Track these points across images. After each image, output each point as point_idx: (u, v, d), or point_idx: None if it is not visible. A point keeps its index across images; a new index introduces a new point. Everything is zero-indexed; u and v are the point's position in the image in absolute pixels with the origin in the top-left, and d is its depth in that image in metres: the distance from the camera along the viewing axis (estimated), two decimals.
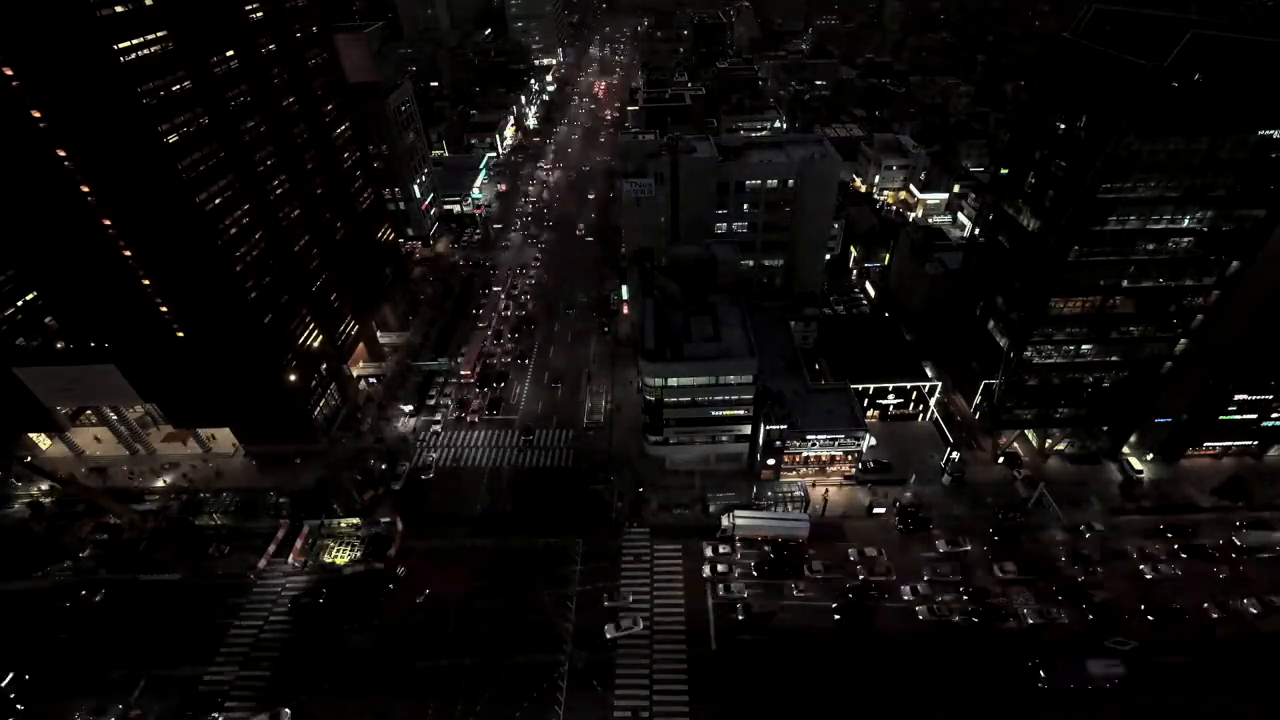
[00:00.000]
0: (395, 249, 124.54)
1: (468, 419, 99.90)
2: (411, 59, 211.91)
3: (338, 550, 79.92)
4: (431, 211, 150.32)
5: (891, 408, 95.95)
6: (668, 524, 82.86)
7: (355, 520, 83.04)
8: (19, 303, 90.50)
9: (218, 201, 73.94)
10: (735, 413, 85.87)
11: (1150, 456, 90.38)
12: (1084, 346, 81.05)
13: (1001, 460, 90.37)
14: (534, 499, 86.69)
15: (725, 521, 79.85)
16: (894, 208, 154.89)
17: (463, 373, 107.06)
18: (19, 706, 65.57)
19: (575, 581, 76.36)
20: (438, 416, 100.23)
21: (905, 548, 79.38)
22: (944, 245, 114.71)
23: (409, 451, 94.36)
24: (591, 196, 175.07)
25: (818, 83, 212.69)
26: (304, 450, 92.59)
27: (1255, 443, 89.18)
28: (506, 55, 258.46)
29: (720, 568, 77.17)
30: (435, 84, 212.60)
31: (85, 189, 68.14)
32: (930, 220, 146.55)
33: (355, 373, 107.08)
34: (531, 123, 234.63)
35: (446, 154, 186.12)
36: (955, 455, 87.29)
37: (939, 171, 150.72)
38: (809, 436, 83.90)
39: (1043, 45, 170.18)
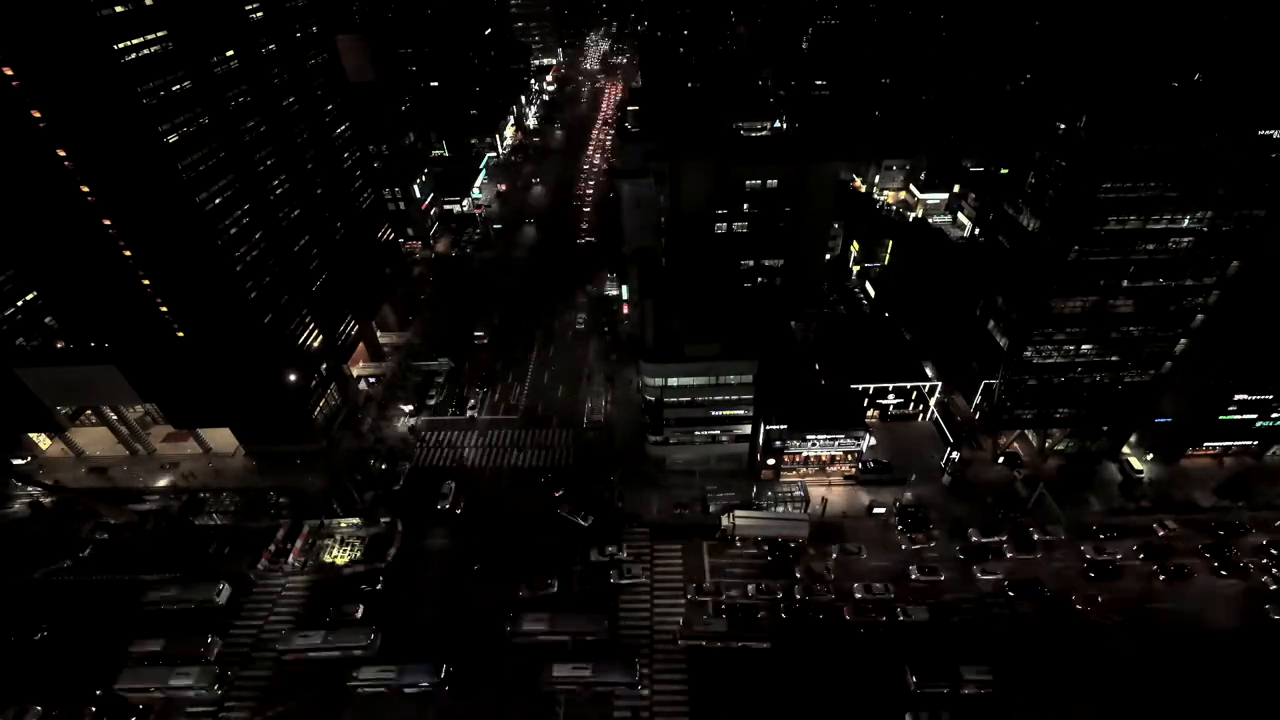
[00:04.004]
0: (395, 249, 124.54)
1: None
2: (411, 59, 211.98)
3: (338, 550, 79.96)
4: (431, 211, 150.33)
5: (891, 408, 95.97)
6: (668, 524, 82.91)
7: (355, 520, 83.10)
8: (19, 303, 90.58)
9: (218, 201, 73.96)
10: (735, 413, 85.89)
11: (1150, 456, 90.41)
12: (1084, 346, 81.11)
13: (1001, 460, 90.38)
14: (534, 498, 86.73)
15: (725, 521, 79.86)
16: (894, 208, 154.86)
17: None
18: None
19: (576, 580, 76.56)
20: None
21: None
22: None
23: (409, 451, 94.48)
24: (591, 196, 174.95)
25: (818, 83, 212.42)
26: (304, 450, 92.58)
27: (1255, 443, 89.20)
28: (506, 55, 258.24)
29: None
30: (435, 84, 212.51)
31: (85, 189, 68.11)
32: (930, 220, 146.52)
33: (355, 373, 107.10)
34: (531, 123, 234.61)
35: (446, 154, 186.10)
36: (955, 455, 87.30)
37: (938, 172, 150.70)
38: (809, 436, 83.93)
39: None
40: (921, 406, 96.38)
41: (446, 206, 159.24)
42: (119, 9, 61.81)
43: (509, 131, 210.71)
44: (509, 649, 68.61)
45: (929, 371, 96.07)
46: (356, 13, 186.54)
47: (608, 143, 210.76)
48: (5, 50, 59.85)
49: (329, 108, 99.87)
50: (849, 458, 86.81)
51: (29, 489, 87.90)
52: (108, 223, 70.75)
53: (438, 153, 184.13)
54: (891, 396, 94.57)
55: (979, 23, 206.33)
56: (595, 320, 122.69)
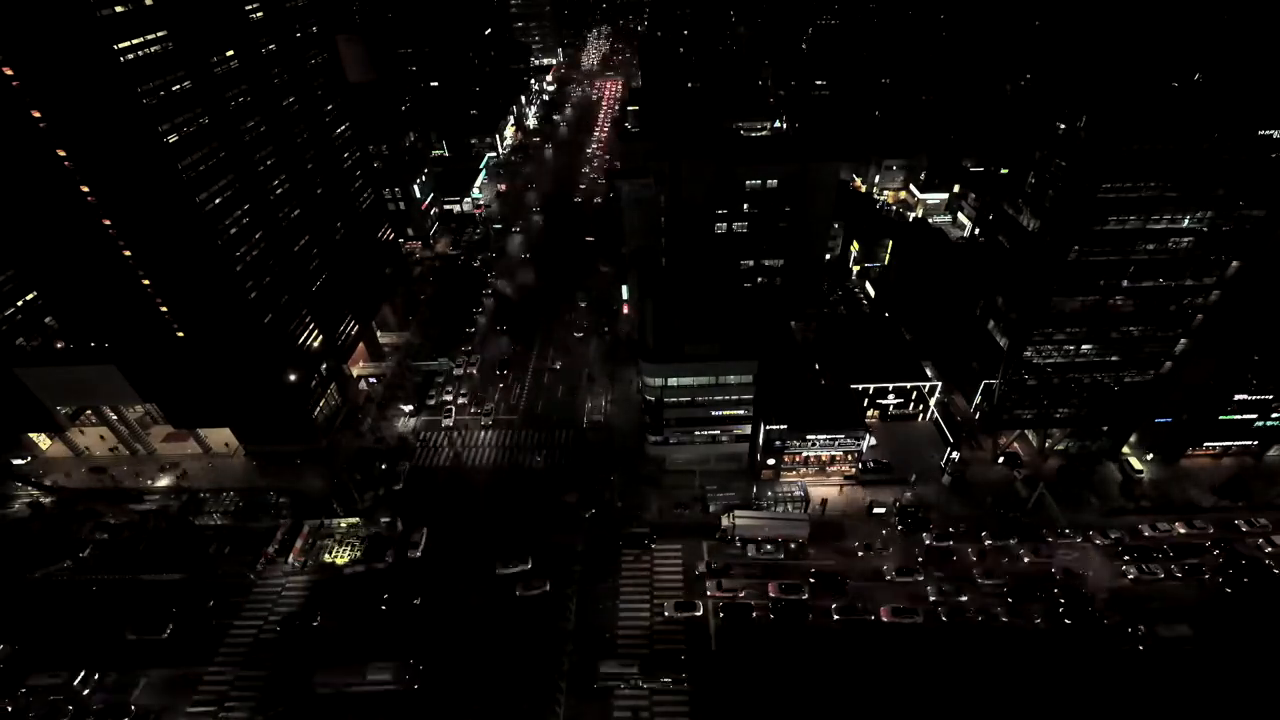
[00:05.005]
0: (395, 249, 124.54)
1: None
2: (411, 59, 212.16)
3: (338, 550, 79.97)
4: (431, 211, 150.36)
5: (891, 408, 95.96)
6: (668, 524, 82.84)
7: (355, 520, 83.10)
8: (19, 303, 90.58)
9: (218, 201, 73.92)
10: (735, 413, 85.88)
11: (1150, 456, 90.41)
12: (1084, 346, 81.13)
13: (1001, 460, 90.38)
14: (534, 498, 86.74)
15: (725, 521, 79.88)
16: (894, 208, 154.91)
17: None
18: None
19: (576, 580, 76.53)
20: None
21: None
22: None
23: (409, 451, 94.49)
24: (591, 196, 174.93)
25: (818, 83, 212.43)
26: (304, 450, 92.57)
27: (1255, 443, 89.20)
28: (506, 55, 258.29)
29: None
30: (435, 84, 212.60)
31: (85, 189, 68.12)
32: (930, 220, 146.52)
33: (355, 373, 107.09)
34: (531, 123, 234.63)
35: (446, 154, 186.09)
36: (955, 455, 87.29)
37: (938, 172, 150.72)
38: (809, 436, 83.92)
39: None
40: (921, 406, 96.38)
41: (446, 206, 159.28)
42: (119, 9, 61.76)
43: (509, 131, 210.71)
44: None
45: (929, 371, 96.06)
46: (356, 13, 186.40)
47: (607, 142, 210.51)
48: (5, 50, 59.83)
49: (329, 108, 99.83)
50: (849, 458, 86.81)
51: (30, 489, 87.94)
52: (108, 223, 70.72)
53: (438, 153, 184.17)
54: (891, 396, 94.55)
55: (979, 23, 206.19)
56: (595, 320, 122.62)
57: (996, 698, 64.55)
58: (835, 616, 71.48)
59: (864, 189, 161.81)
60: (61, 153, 65.72)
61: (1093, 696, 64.56)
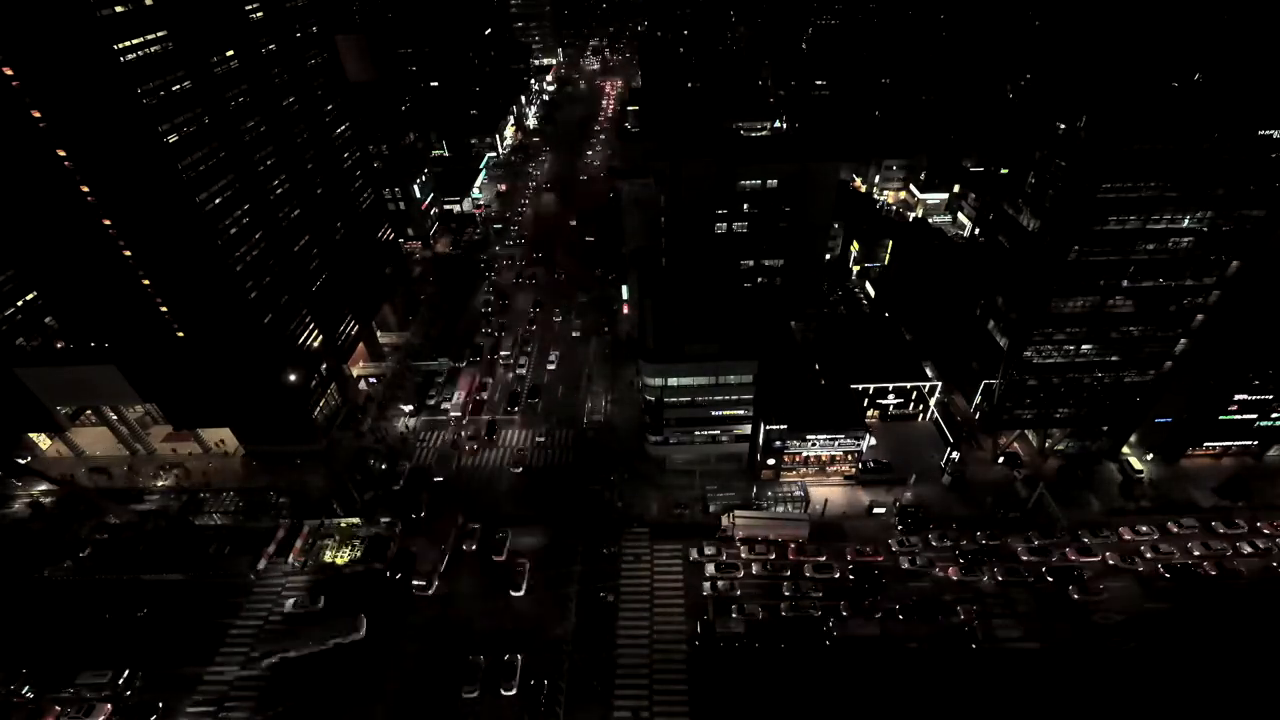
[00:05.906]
0: (395, 249, 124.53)
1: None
2: (411, 59, 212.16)
3: (337, 550, 79.97)
4: (432, 211, 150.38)
5: (891, 408, 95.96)
6: (668, 524, 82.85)
7: (355, 520, 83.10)
8: (19, 303, 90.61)
9: (218, 201, 73.93)
10: (735, 413, 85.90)
11: (1150, 456, 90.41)
12: (1084, 346, 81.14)
13: (1001, 460, 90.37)
14: (535, 497, 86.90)
15: (725, 521, 79.90)
16: (894, 208, 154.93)
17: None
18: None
19: (575, 580, 76.50)
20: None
21: None
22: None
23: (409, 451, 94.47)
24: (591, 196, 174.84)
25: (818, 83, 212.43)
26: (304, 450, 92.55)
27: (1255, 443, 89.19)
28: (506, 55, 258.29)
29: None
30: (435, 84, 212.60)
31: (85, 189, 68.14)
32: (930, 220, 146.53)
33: (355, 373, 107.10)
34: (531, 123, 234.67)
35: (446, 154, 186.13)
36: (955, 455, 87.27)
37: (938, 172, 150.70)
38: (809, 436, 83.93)
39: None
40: (921, 406, 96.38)
41: (446, 206, 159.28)
42: (119, 9, 61.77)
43: (509, 131, 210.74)
44: None
45: (929, 371, 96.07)
46: (356, 13, 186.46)
47: (608, 142, 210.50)
48: (5, 50, 59.85)
49: (329, 108, 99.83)
50: (849, 458, 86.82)
51: (42, 484, 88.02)
52: (108, 223, 70.75)
53: (438, 153, 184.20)
54: (891, 396, 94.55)
55: (979, 23, 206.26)
56: (595, 320, 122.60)
57: (993, 700, 64.70)
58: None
59: (864, 189, 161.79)
60: (61, 153, 65.74)
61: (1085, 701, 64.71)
